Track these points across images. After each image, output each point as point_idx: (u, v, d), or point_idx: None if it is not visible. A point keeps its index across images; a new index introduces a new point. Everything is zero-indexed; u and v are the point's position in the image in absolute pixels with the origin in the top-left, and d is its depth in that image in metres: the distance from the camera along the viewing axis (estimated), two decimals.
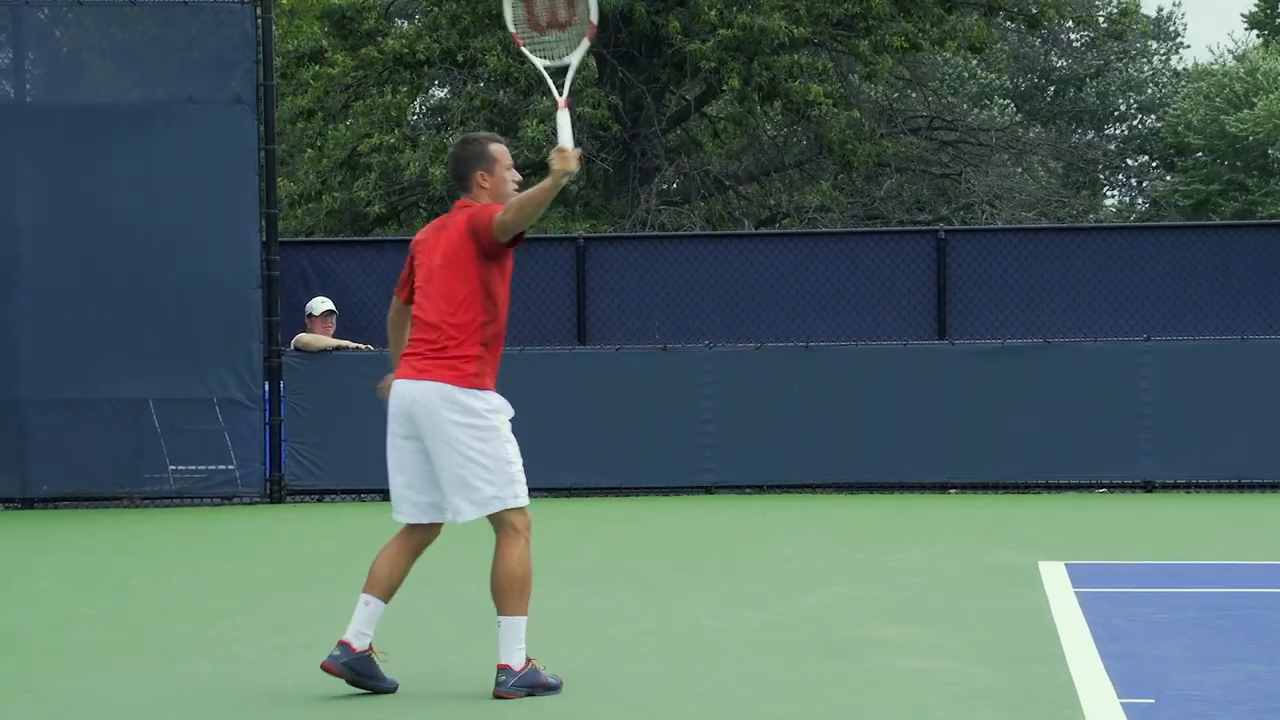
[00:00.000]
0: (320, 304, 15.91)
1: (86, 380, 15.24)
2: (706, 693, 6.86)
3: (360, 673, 6.98)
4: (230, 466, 15.38)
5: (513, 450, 7.01)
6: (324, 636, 8.31)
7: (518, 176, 7.20)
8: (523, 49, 7.37)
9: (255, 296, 15.36)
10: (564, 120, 6.98)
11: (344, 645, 6.99)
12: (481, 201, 7.09)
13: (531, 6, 7.23)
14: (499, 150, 7.15)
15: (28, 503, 15.37)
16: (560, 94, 7.10)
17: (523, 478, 7.03)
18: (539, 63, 7.28)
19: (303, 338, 15.71)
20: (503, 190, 7.11)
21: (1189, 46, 57.21)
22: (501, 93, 25.03)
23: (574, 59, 7.23)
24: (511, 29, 7.39)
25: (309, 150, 26.03)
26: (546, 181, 6.81)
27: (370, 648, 7.01)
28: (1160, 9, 49.42)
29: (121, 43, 15.77)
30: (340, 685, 7.03)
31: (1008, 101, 43.70)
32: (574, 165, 6.82)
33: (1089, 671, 7.06)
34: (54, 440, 15.25)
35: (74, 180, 15.25)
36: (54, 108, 15.44)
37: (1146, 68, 47.44)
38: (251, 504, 15.35)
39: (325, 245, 19.31)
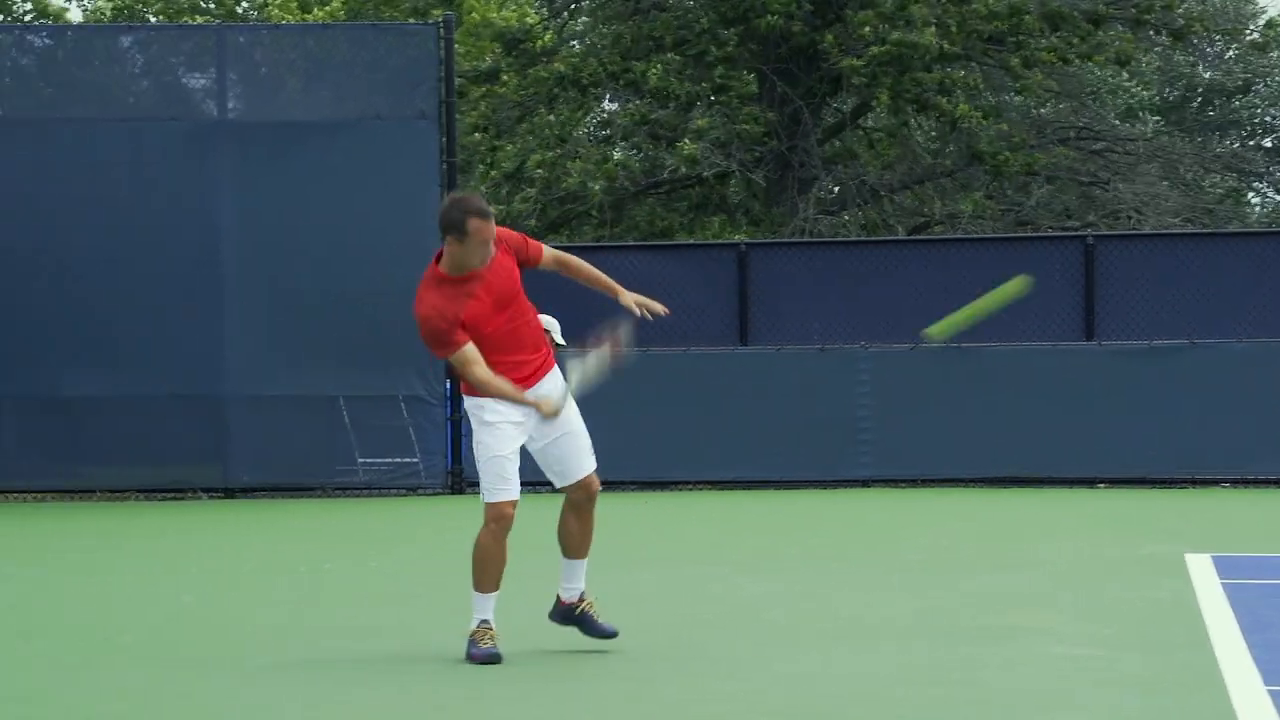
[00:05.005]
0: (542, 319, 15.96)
1: (282, 378, 15.53)
2: (864, 675, 6.85)
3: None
4: (414, 459, 15.59)
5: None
6: (500, 616, 8.40)
7: (492, 251, 7.38)
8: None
9: None
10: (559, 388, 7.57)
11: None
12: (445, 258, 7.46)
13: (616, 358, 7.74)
14: (475, 226, 7.28)
15: (229, 492, 15.70)
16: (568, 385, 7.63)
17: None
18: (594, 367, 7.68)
19: None
20: (464, 261, 7.41)
21: None
22: (661, 111, 25.07)
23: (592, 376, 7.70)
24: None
25: (480, 166, 26.23)
26: (515, 396, 7.53)
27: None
28: None
29: (315, 63, 16.05)
30: (523, 660, 7.23)
31: (1156, 117, 42.83)
32: (548, 413, 7.59)
33: (1235, 659, 6.94)
34: (253, 434, 15.55)
35: (271, 192, 15.55)
36: (253, 124, 15.75)
37: None
38: (434, 494, 15.54)
39: None
